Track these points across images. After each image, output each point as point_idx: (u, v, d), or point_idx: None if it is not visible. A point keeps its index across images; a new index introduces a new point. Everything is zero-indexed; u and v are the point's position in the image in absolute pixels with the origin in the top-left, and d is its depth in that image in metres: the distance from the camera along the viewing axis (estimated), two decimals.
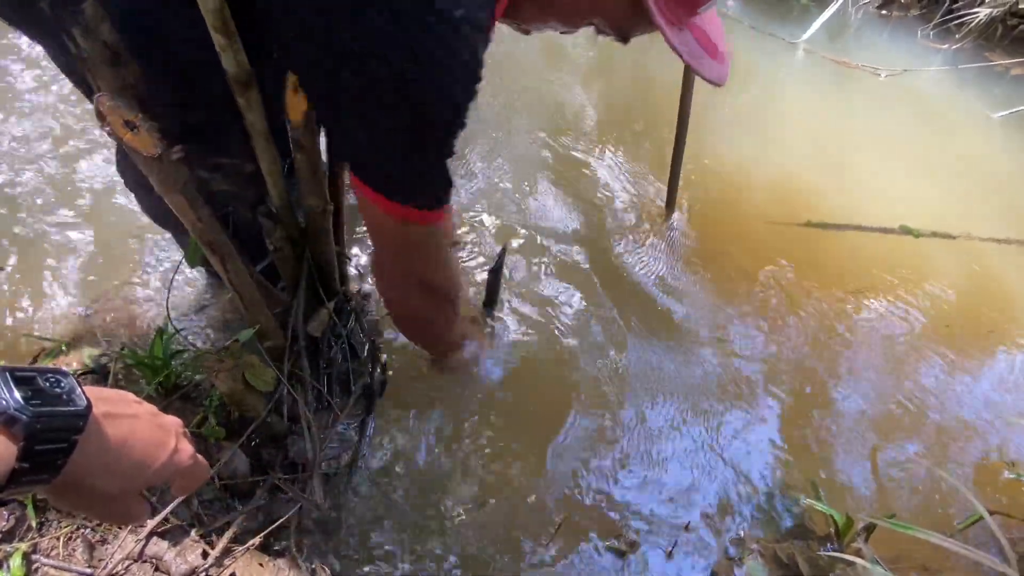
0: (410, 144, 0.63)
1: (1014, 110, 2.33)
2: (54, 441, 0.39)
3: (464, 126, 0.63)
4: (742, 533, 1.05)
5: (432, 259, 0.79)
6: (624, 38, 0.72)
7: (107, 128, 0.53)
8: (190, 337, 1.14)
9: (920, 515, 1.11)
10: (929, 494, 1.15)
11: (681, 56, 0.66)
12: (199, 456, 0.52)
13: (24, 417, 0.37)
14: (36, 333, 1.11)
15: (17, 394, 0.37)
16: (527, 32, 0.79)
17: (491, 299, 1.30)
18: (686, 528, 1.04)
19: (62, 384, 0.41)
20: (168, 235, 1.09)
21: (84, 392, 0.42)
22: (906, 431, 1.26)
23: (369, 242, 0.82)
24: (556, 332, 1.32)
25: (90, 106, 0.66)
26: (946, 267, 1.66)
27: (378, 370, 1.14)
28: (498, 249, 1.24)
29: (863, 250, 1.68)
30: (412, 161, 0.64)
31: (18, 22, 0.70)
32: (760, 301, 1.48)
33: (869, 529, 1.01)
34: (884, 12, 3.01)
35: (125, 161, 0.87)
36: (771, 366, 1.34)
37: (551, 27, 0.75)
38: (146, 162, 0.58)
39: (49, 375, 0.41)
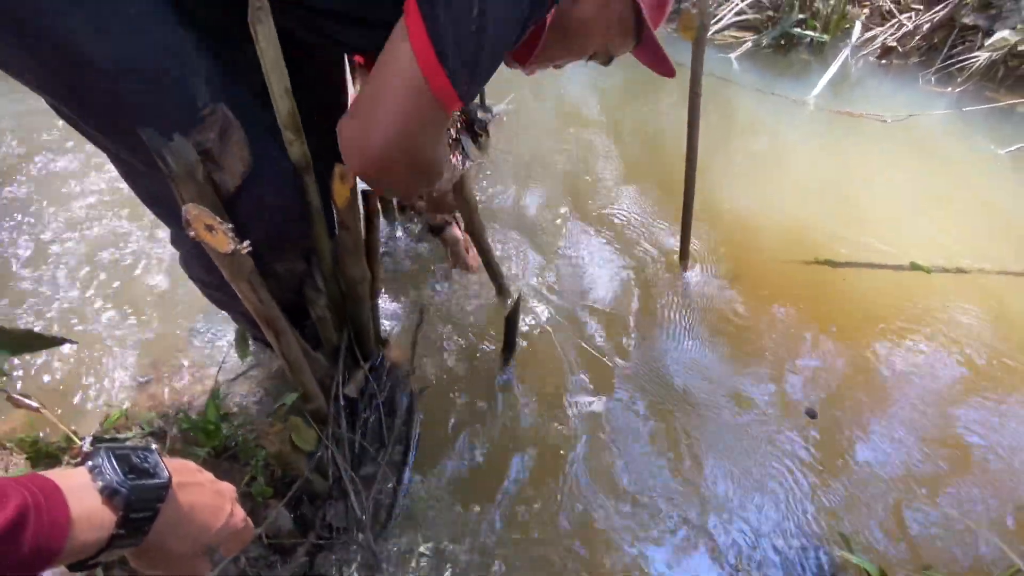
0: (493, 18, 0.67)
1: (1022, 145, 2.36)
2: (144, 509, 0.46)
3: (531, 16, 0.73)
4: None
5: (431, 138, 0.77)
6: (609, 61, 0.95)
7: (192, 232, 0.64)
8: (237, 400, 1.23)
9: (954, 567, 1.09)
10: (962, 545, 1.13)
11: (661, 54, 0.93)
12: (248, 519, 0.59)
13: (124, 490, 0.44)
14: (100, 400, 1.21)
15: (119, 470, 0.45)
16: (531, 72, 0.97)
17: (509, 346, 1.36)
18: None
19: (149, 460, 0.49)
20: (222, 313, 1.20)
21: (165, 465, 0.50)
22: (936, 480, 1.25)
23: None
24: (575, 384, 1.37)
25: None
26: (964, 306, 1.66)
27: (415, 426, 1.20)
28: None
29: (880, 293, 1.70)
30: (484, 31, 0.67)
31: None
32: (778, 349, 1.51)
33: None
34: (883, 62, 3.12)
35: (186, 252, 0.98)
36: (795, 415, 1.35)
37: (559, 61, 0.94)
38: (220, 257, 0.67)
39: (139, 451, 0.49)
